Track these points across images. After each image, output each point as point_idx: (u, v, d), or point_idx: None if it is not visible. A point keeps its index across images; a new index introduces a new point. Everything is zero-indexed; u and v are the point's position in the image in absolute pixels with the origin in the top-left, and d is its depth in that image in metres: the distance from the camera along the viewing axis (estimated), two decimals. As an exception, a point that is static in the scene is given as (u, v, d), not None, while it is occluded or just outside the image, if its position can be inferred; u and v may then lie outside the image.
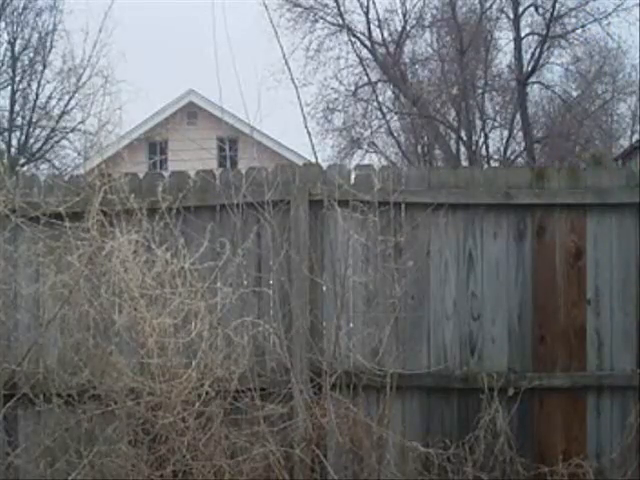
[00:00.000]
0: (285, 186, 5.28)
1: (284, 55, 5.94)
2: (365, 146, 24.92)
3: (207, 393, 4.82)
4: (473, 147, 22.99)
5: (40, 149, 22.30)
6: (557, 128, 23.01)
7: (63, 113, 22.08)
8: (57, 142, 22.55)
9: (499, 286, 5.30)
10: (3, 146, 21.27)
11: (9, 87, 22.14)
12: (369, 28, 23.27)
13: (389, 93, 24.34)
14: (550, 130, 23.39)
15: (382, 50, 23.56)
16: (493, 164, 23.35)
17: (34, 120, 22.13)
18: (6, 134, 21.89)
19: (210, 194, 5.33)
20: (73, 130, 21.87)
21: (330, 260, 5.24)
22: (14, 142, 21.89)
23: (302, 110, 5.97)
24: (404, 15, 23.38)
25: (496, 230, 5.33)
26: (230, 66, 5.85)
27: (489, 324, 5.29)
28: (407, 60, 23.85)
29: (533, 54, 22.79)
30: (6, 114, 22.04)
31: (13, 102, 22.05)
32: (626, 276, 5.29)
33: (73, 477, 4.88)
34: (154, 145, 20.50)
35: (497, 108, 23.67)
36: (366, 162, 18.71)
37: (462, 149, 23.38)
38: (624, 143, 23.77)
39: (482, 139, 23.40)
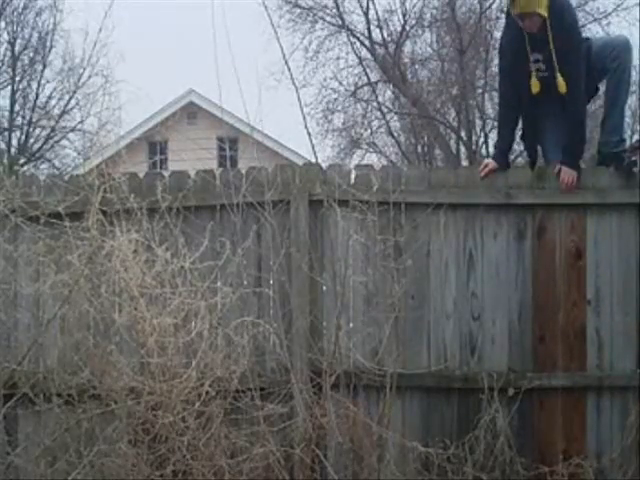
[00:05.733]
0: (285, 186, 5.29)
1: (284, 56, 5.99)
2: (365, 146, 24.92)
3: (207, 393, 4.82)
4: (473, 147, 22.97)
5: (40, 149, 22.30)
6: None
7: (63, 113, 22.09)
8: (57, 142, 22.56)
9: (499, 286, 5.30)
10: (3, 146, 21.28)
11: (9, 87, 22.15)
12: (369, 28, 23.25)
13: (389, 93, 24.32)
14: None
15: (382, 50, 23.54)
16: (493, 164, 23.28)
17: (34, 120, 22.14)
18: (6, 134, 21.89)
19: (210, 194, 5.33)
20: (73, 130, 21.88)
21: (330, 260, 5.24)
22: (14, 142, 21.90)
23: (302, 110, 5.99)
24: (404, 15, 23.35)
25: (496, 230, 5.33)
26: (230, 66, 5.85)
27: (489, 324, 5.29)
28: (407, 60, 23.83)
29: (533, 54, 22.75)
30: (6, 114, 22.05)
31: (13, 102, 22.05)
32: (626, 276, 5.29)
33: (73, 477, 4.88)
34: (154, 145, 20.49)
35: (497, 108, 23.61)
36: (366, 162, 18.70)
37: (462, 149, 23.38)
38: (624, 143, 23.74)
39: (482, 139, 23.39)
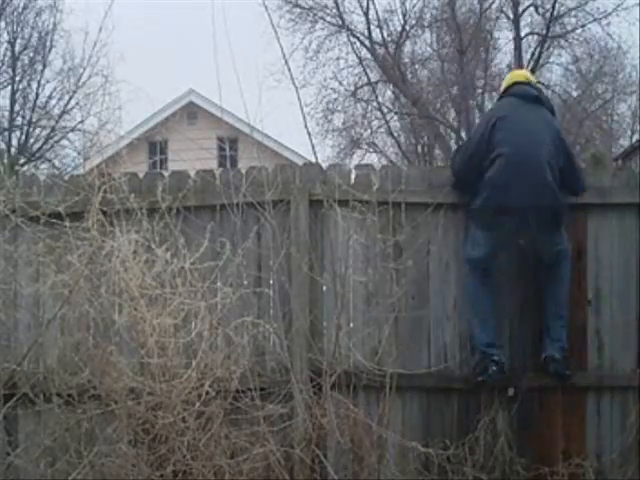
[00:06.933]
0: (285, 186, 5.28)
1: (284, 56, 5.99)
2: (365, 146, 24.94)
3: (207, 393, 4.82)
4: (473, 147, 22.93)
5: (40, 149, 22.30)
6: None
7: (63, 113, 22.09)
8: (57, 142, 22.56)
9: (499, 286, 5.28)
10: (3, 146, 21.27)
11: (9, 87, 22.15)
12: (369, 28, 23.28)
13: (389, 93, 24.36)
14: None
15: (382, 50, 23.55)
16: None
17: (34, 120, 22.14)
18: (6, 134, 21.89)
19: (210, 194, 5.33)
20: (73, 130, 21.88)
21: (330, 260, 5.24)
22: (14, 142, 21.90)
23: (302, 110, 5.99)
24: (404, 15, 23.40)
25: (496, 230, 5.31)
26: (230, 66, 5.85)
27: (489, 324, 5.28)
28: (407, 60, 23.85)
29: (533, 54, 22.83)
30: (6, 114, 22.05)
31: (13, 102, 22.06)
32: (626, 276, 5.28)
33: (73, 477, 4.88)
34: (154, 145, 20.48)
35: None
36: (366, 162, 18.68)
37: (462, 149, 23.35)
38: (624, 143, 23.78)
39: (482, 139, 23.34)
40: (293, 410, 5.06)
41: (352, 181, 5.33)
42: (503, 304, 5.25)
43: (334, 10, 23.23)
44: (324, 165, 5.50)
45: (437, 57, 23.59)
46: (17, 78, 22.24)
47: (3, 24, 22.15)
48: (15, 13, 22.34)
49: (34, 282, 5.25)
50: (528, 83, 5.34)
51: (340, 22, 23.23)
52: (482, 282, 5.12)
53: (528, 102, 5.20)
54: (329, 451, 5.11)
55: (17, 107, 22.27)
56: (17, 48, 22.29)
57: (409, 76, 23.47)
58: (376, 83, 23.95)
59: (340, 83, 23.83)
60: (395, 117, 24.67)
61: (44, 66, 22.40)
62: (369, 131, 24.61)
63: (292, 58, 21.32)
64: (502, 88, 5.46)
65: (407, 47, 23.93)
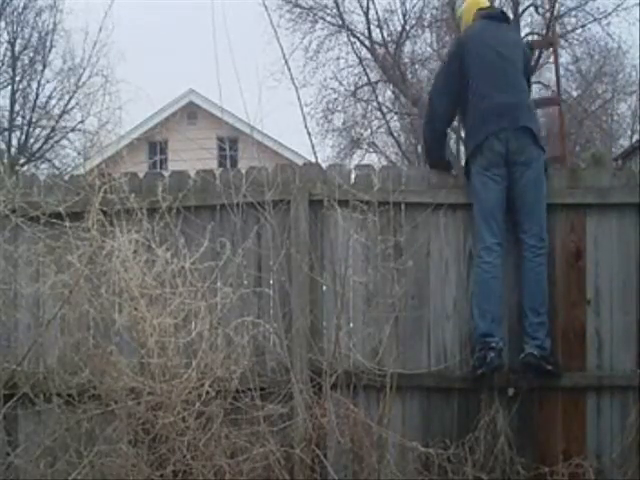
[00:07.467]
0: (285, 186, 5.29)
1: (284, 55, 6.00)
2: (365, 146, 24.93)
3: (207, 393, 4.82)
4: (473, 147, 22.91)
5: (40, 149, 22.33)
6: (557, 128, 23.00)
7: (63, 113, 22.14)
8: (57, 142, 22.60)
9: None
10: (3, 146, 21.29)
11: (9, 87, 22.18)
12: (369, 28, 23.26)
13: (389, 93, 24.34)
14: (550, 130, 23.38)
15: (382, 50, 23.54)
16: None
17: (34, 120, 22.17)
18: (6, 134, 21.91)
19: (210, 194, 5.34)
20: (73, 130, 21.92)
21: (330, 260, 5.25)
22: (14, 142, 21.92)
23: (302, 110, 6.00)
24: (404, 15, 23.37)
25: (496, 230, 5.32)
26: (230, 66, 5.86)
27: (489, 324, 5.28)
28: (407, 60, 23.84)
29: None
30: (6, 114, 22.08)
31: (13, 102, 22.09)
32: (626, 276, 5.28)
33: (73, 477, 4.88)
34: (154, 145, 20.49)
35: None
36: (366, 162, 18.68)
37: (462, 149, 23.37)
38: (624, 143, 23.79)
39: (482, 139, 23.31)
40: (293, 410, 5.07)
41: (352, 181, 5.33)
42: (503, 303, 5.26)
43: (334, 10, 23.23)
44: (324, 165, 5.51)
45: (437, 57, 23.55)
46: (17, 78, 22.27)
47: (3, 24, 22.20)
48: (15, 13, 22.38)
49: (34, 282, 5.25)
50: (490, 7, 5.68)
51: (340, 22, 23.22)
52: (487, 273, 5.13)
53: (494, 21, 5.50)
54: (329, 451, 5.11)
55: (17, 107, 22.31)
56: (17, 48, 22.34)
57: (409, 76, 23.45)
58: (376, 83, 23.94)
59: (340, 83, 23.85)
60: (395, 117, 24.66)
61: (44, 66, 22.45)
62: (369, 131, 24.62)
63: (292, 58, 21.33)
64: (465, 19, 5.62)
65: (407, 47, 23.93)
